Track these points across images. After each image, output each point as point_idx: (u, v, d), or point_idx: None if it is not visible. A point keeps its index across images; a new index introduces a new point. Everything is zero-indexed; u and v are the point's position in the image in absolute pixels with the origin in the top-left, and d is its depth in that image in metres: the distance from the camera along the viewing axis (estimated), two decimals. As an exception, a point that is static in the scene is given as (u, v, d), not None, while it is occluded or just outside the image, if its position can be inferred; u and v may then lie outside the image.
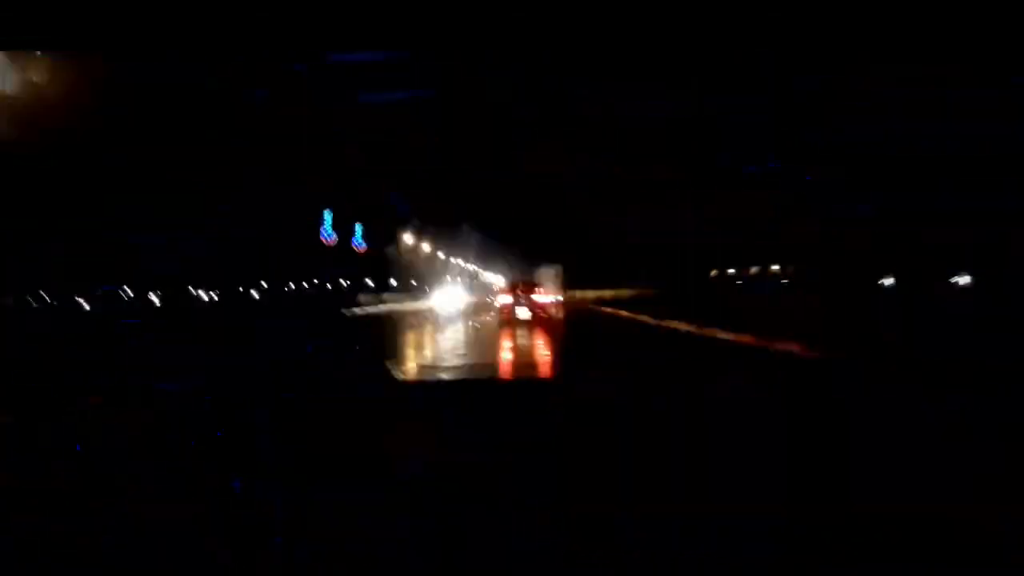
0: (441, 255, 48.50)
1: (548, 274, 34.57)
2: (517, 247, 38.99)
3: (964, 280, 27.31)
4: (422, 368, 11.65)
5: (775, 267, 35.94)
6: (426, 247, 42.58)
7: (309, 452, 4.05)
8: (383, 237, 38.06)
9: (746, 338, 13.60)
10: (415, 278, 40.87)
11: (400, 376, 9.59)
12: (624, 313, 28.13)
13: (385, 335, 19.01)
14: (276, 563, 2.87)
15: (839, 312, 17.76)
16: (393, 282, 43.04)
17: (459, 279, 46.37)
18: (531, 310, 25.14)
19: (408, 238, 42.12)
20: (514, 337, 18.80)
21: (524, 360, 13.42)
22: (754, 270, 38.68)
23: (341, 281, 37.50)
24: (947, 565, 2.84)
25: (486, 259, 51.20)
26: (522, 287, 27.58)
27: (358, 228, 29.08)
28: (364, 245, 28.96)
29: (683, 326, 17.50)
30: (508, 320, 24.10)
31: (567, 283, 35.04)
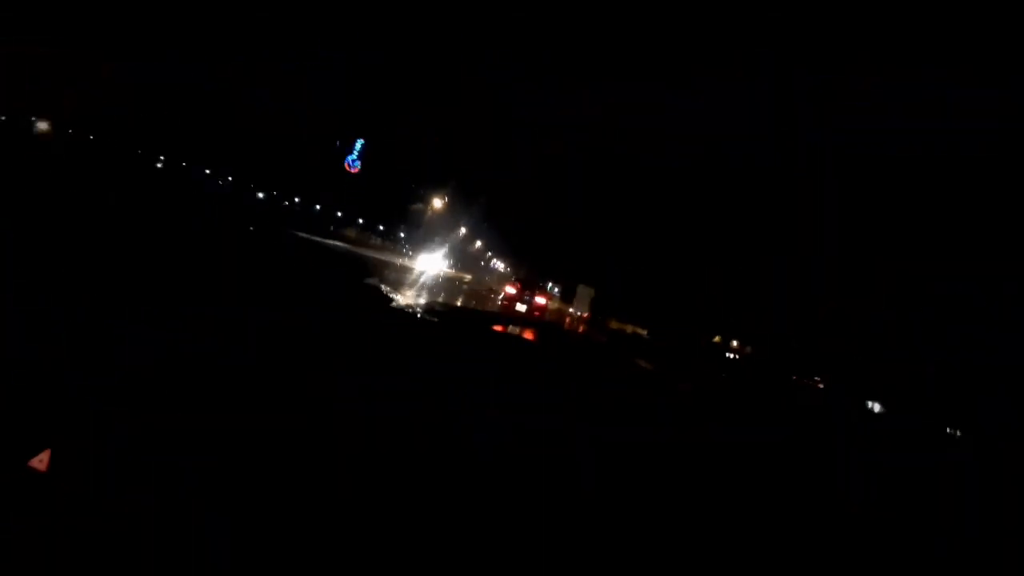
0: (463, 230, 48.22)
1: (584, 292, 37.19)
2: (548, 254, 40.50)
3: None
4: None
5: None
6: (448, 210, 42.07)
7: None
8: (416, 192, 37.72)
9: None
10: (422, 239, 40.45)
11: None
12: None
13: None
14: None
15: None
16: (401, 233, 42.62)
17: (460, 254, 45.69)
18: (529, 307, 27.09)
19: (438, 202, 41.87)
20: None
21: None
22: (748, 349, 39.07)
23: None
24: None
25: (502, 250, 50.82)
26: (530, 286, 30.18)
27: (358, 144, 26.21)
28: (358, 165, 26.87)
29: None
30: (507, 309, 25.50)
31: (600, 308, 37.76)
